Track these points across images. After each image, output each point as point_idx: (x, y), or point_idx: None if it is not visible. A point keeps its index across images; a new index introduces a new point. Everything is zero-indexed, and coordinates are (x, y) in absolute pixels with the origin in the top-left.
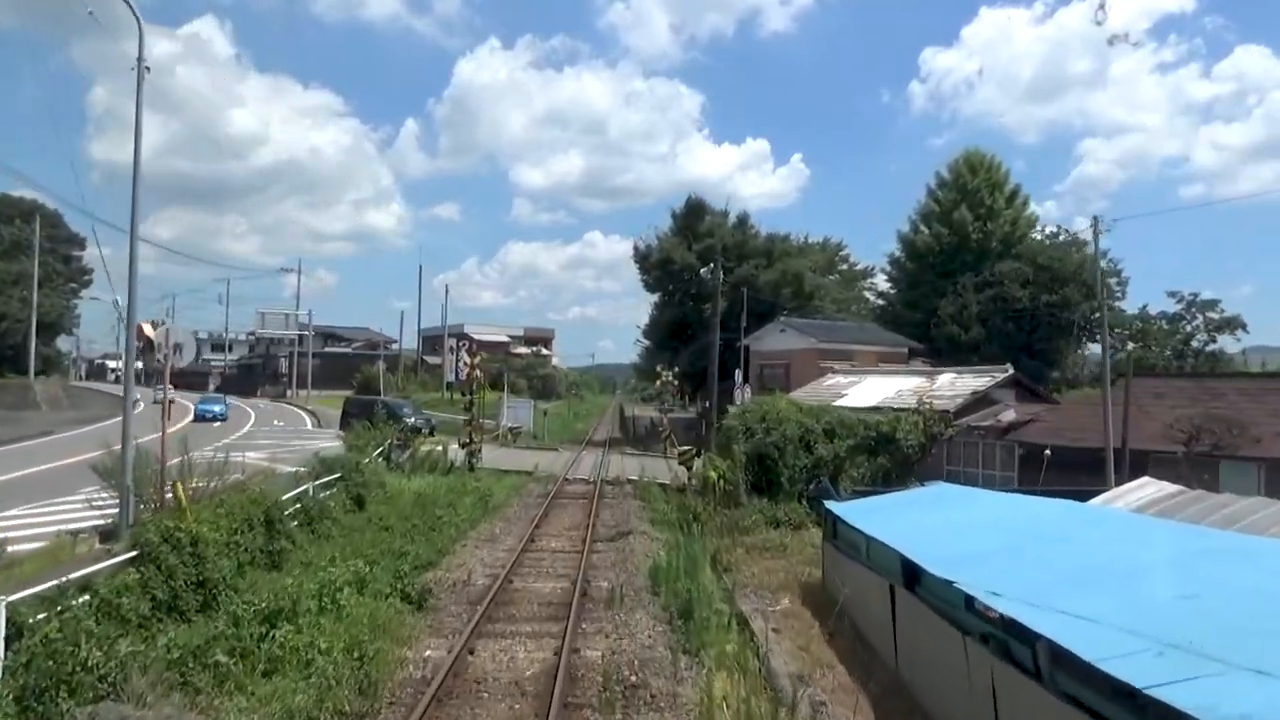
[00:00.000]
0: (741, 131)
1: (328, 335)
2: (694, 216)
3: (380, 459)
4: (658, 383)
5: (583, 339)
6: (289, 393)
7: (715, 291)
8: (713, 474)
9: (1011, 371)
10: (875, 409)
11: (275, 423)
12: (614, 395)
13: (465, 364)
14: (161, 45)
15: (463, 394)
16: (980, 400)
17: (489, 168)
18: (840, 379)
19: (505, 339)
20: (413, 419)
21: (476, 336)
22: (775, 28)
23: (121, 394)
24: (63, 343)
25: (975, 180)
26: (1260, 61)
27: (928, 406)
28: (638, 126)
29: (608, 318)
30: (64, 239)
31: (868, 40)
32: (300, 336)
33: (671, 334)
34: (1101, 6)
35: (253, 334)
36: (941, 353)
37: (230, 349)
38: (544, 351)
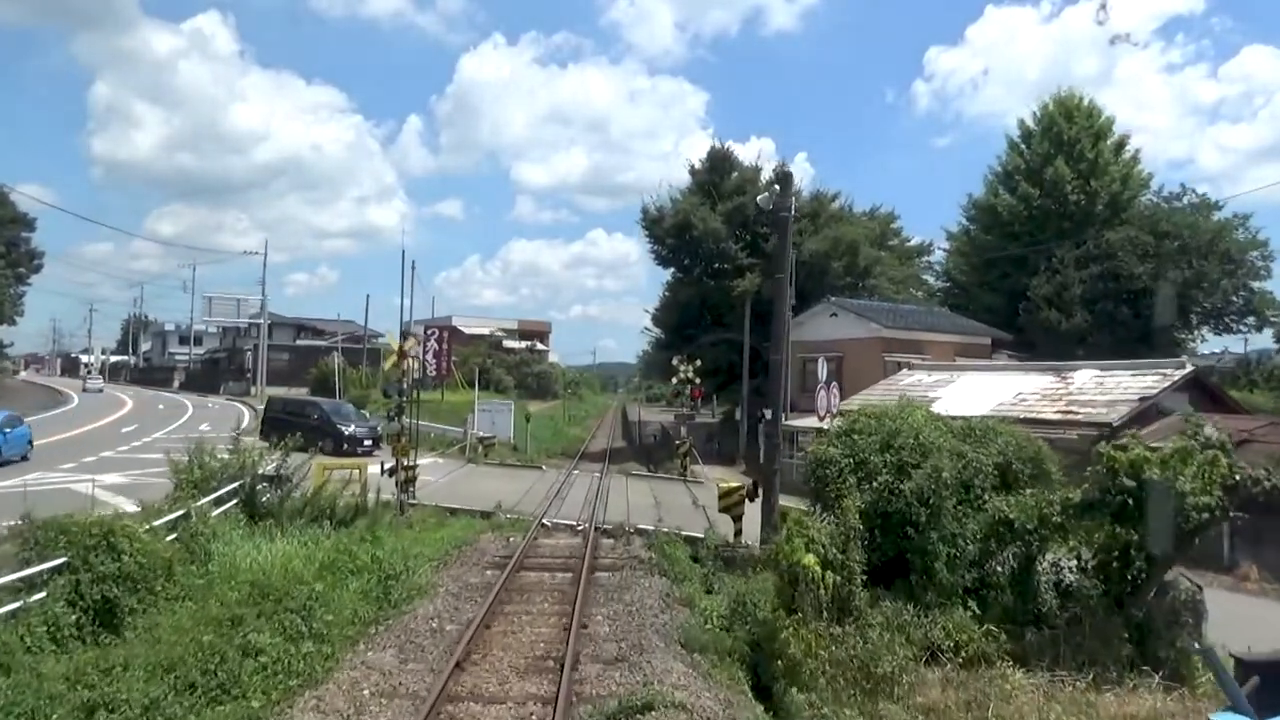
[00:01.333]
0: (746, 130)
1: (302, 327)
2: (718, 170)
3: (239, 504)
4: (674, 380)
5: (584, 338)
6: (253, 389)
7: (784, 228)
8: (812, 562)
9: (1189, 368)
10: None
11: (202, 427)
12: (616, 395)
13: (389, 346)
14: (164, 40)
15: (386, 394)
16: (1148, 410)
17: (492, 165)
18: (922, 376)
19: (497, 332)
20: (351, 427)
21: (465, 330)
22: (780, 25)
23: (68, 388)
24: (27, 335)
25: (1073, 128)
26: (1267, 62)
27: (1217, 436)
28: (641, 124)
29: (610, 316)
30: (8, 220)
31: (872, 39)
32: (259, 326)
33: (689, 319)
34: (1103, 6)
35: (202, 323)
36: (1034, 345)
37: (200, 342)
38: (539, 346)
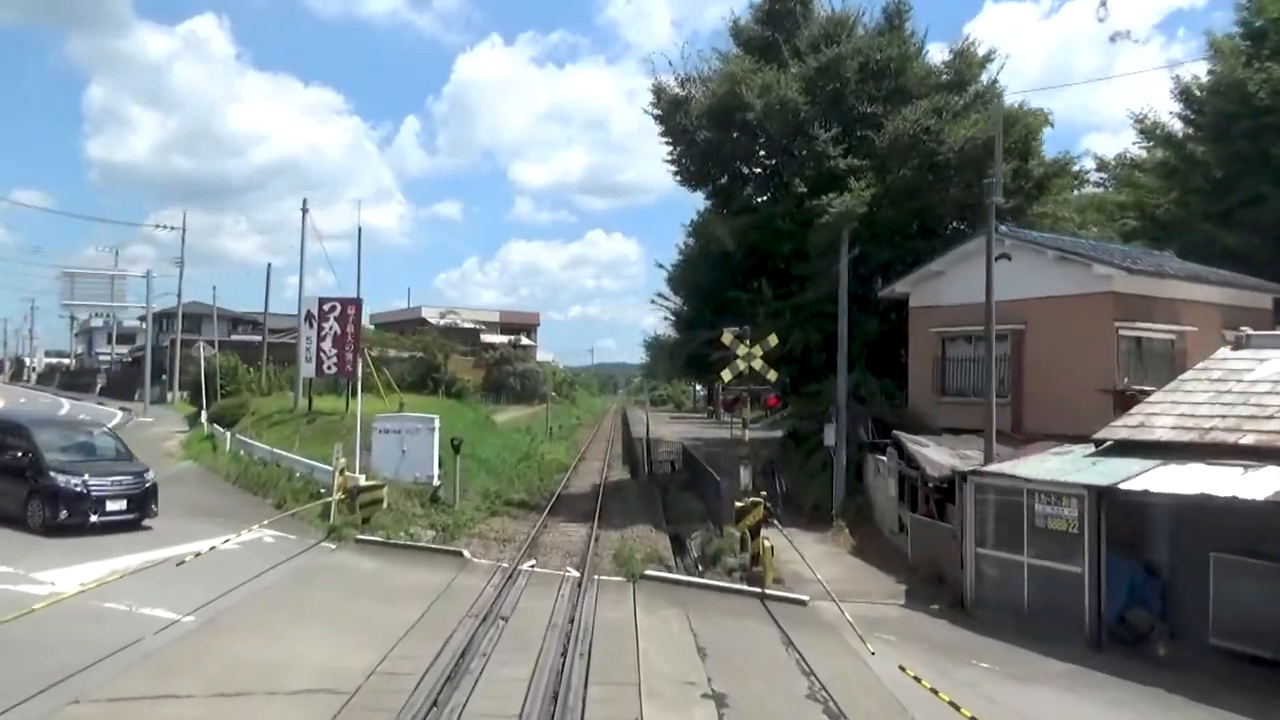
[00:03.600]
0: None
1: (239, 320)
2: (781, 23)
3: None
4: (726, 376)
5: (583, 338)
6: (169, 395)
7: None
8: None
9: None
10: None
11: None
12: (615, 396)
13: None
14: (159, 42)
15: None
16: None
17: (490, 166)
18: None
19: (451, 319)
20: (83, 477)
21: (432, 321)
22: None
23: None
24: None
25: None
26: None
27: None
28: (639, 123)
29: (610, 317)
30: None
31: None
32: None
33: (731, 275)
34: (1103, 3)
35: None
36: None
37: (134, 340)
38: (525, 341)
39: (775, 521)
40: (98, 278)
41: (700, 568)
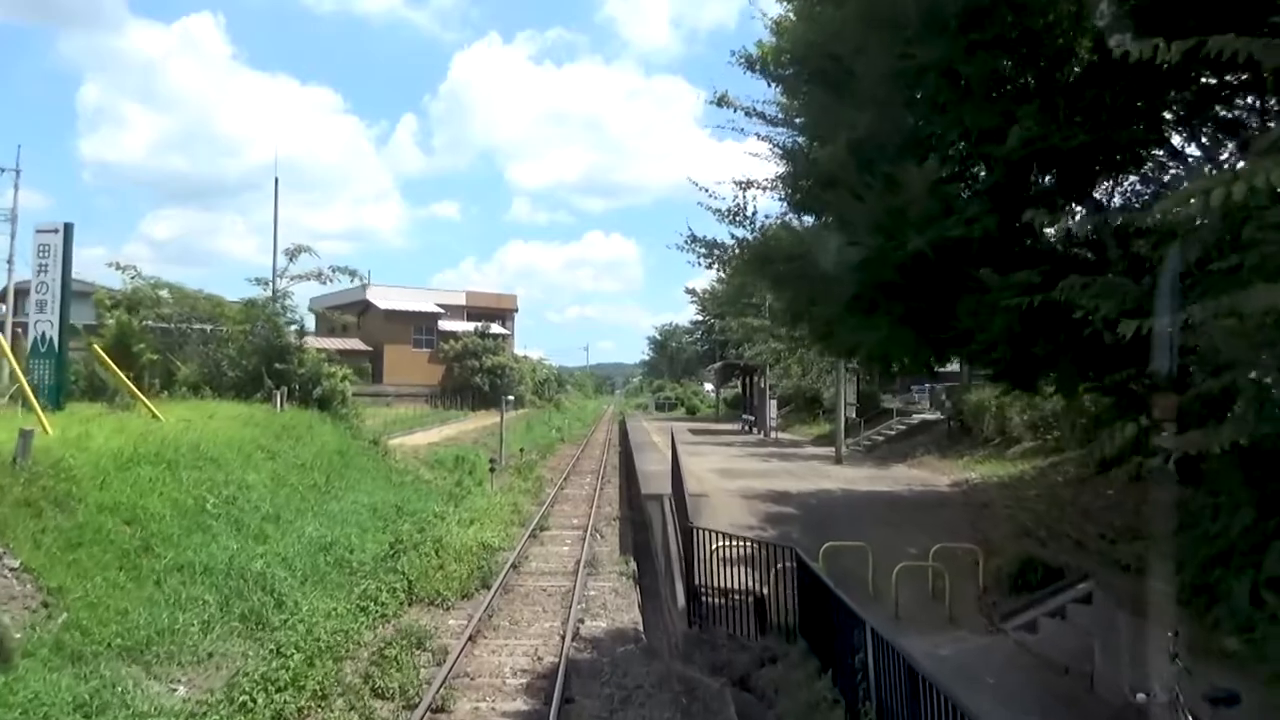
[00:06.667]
0: (749, 129)
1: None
2: None
3: None
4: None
5: (583, 339)
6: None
7: None
8: None
9: None
10: None
11: None
12: (612, 397)
13: None
14: (154, 40)
15: None
16: None
17: (487, 166)
18: None
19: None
20: None
21: (381, 305)
22: (777, 17)
23: None
24: None
25: None
26: None
27: None
28: (637, 123)
29: (610, 319)
30: None
31: None
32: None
33: None
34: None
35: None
36: None
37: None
38: (497, 330)
39: None
40: None
41: None
